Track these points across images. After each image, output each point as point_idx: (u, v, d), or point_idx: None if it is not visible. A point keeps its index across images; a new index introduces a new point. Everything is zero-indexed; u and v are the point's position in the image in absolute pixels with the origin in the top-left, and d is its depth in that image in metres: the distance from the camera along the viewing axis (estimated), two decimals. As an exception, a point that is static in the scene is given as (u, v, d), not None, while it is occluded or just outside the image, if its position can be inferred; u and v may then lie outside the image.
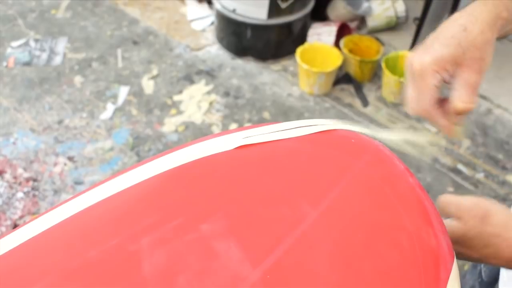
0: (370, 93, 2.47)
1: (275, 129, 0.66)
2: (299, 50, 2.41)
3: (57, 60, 2.54)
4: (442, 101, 0.66)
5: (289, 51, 2.60)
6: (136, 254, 0.53)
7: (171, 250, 0.54)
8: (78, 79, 2.45)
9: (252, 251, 0.54)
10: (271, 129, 0.67)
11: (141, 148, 2.15)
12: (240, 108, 2.35)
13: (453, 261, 0.56)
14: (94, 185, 0.62)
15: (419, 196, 0.59)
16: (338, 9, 2.66)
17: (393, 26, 2.79)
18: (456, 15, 0.64)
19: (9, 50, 2.58)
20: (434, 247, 0.56)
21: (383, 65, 2.36)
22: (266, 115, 2.33)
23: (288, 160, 0.62)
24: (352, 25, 2.71)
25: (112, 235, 0.55)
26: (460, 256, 0.67)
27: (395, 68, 2.41)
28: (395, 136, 0.67)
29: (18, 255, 0.53)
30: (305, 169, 0.60)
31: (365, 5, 2.69)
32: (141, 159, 2.10)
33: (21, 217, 1.89)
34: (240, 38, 2.57)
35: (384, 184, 0.59)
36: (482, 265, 0.94)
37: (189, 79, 2.48)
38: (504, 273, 0.81)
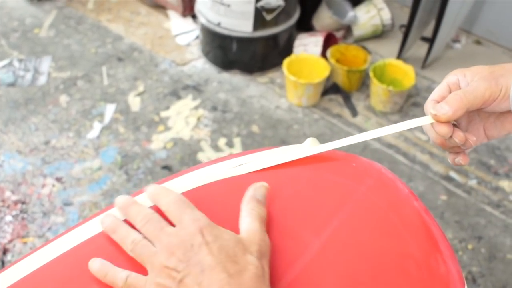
0: (358, 102, 2.46)
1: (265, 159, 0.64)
2: (286, 61, 2.40)
3: (42, 79, 2.51)
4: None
5: (275, 63, 2.58)
6: None
7: None
8: (63, 99, 2.42)
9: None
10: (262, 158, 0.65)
11: (129, 166, 2.12)
12: (228, 123, 2.33)
13: (464, 287, 0.54)
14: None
15: (425, 221, 0.57)
16: (324, 19, 2.65)
17: (379, 34, 2.79)
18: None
19: (-8, 71, 2.55)
20: (443, 274, 0.54)
21: (371, 74, 2.35)
22: (254, 128, 2.31)
23: (287, 187, 0.59)
24: (338, 34, 2.70)
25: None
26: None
27: (383, 77, 2.40)
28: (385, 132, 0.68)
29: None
30: (306, 196, 0.57)
31: (350, 14, 2.68)
32: (130, 178, 2.07)
33: (10, 241, 1.85)
34: (226, 51, 2.56)
35: (388, 209, 0.57)
36: None
37: (176, 95, 2.46)
38: None
